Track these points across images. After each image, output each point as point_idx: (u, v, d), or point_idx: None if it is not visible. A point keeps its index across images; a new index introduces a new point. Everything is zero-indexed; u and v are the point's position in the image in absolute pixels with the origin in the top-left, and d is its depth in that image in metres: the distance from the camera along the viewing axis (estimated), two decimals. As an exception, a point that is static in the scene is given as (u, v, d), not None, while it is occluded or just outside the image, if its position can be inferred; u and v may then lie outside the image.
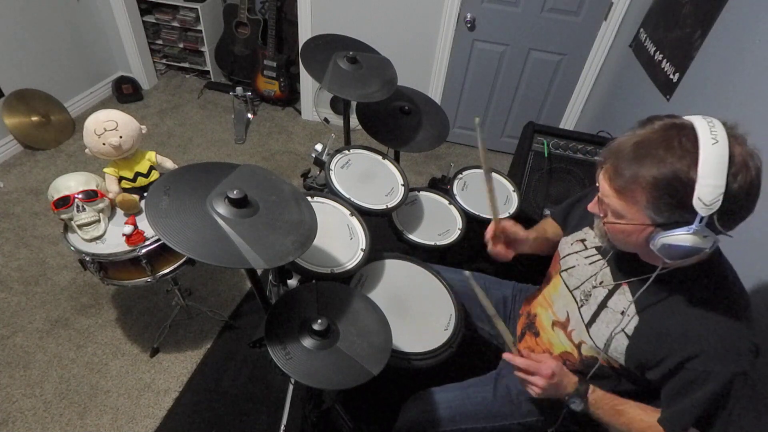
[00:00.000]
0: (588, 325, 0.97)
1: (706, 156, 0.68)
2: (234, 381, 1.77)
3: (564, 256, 1.09)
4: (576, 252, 1.06)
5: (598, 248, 1.01)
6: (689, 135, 0.71)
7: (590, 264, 1.01)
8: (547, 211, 2.17)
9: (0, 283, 2.03)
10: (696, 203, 0.69)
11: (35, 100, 2.76)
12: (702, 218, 0.70)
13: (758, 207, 0.73)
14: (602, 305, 0.95)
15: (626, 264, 0.93)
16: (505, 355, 1.01)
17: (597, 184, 0.85)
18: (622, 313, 0.91)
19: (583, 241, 1.06)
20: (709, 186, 0.68)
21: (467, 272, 1.15)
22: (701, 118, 0.73)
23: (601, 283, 0.97)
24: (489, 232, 1.21)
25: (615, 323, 0.92)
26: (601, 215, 0.86)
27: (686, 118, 0.76)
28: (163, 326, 1.88)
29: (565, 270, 1.07)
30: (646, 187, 0.73)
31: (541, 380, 1.01)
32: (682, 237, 0.72)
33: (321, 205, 1.32)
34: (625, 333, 0.90)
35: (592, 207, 0.89)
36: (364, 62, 1.50)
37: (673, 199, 0.71)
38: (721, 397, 0.80)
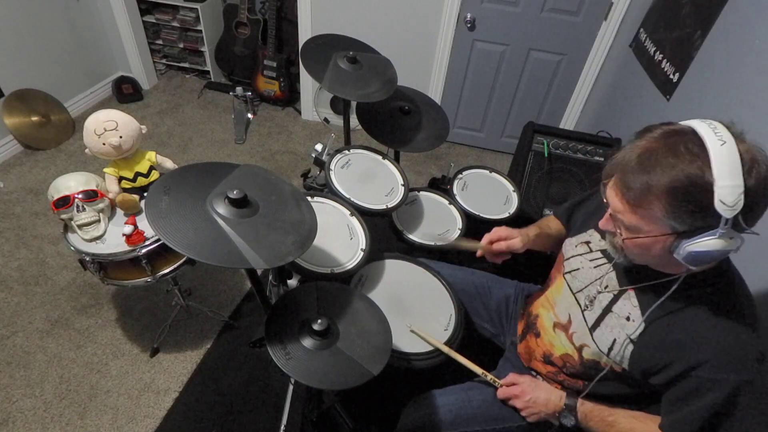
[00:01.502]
0: (592, 329, 0.97)
1: (718, 157, 0.67)
2: (234, 381, 1.77)
3: (568, 258, 1.09)
4: (580, 254, 1.05)
5: (603, 252, 1.00)
6: (693, 139, 0.71)
7: (595, 267, 1.01)
8: (547, 211, 2.17)
9: (0, 283, 2.03)
10: (719, 206, 0.67)
11: (35, 100, 2.76)
12: (727, 220, 0.68)
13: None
14: (607, 310, 0.95)
15: (632, 269, 0.92)
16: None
17: (605, 201, 0.84)
18: (628, 318, 0.90)
19: (587, 243, 1.05)
20: (727, 187, 0.67)
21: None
22: (700, 122, 0.73)
23: (606, 287, 0.96)
24: (478, 253, 1.20)
25: (620, 328, 0.91)
26: (615, 232, 0.84)
27: (682, 123, 0.75)
28: (163, 326, 1.88)
29: (569, 272, 1.07)
30: (661, 196, 0.72)
31: (519, 401, 1.05)
32: (709, 242, 0.70)
33: (321, 205, 1.32)
34: (630, 338, 0.89)
35: (603, 224, 0.87)
36: (364, 62, 1.50)
37: (692, 205, 0.70)
38: (725, 406, 0.79)
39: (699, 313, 0.82)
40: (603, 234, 0.98)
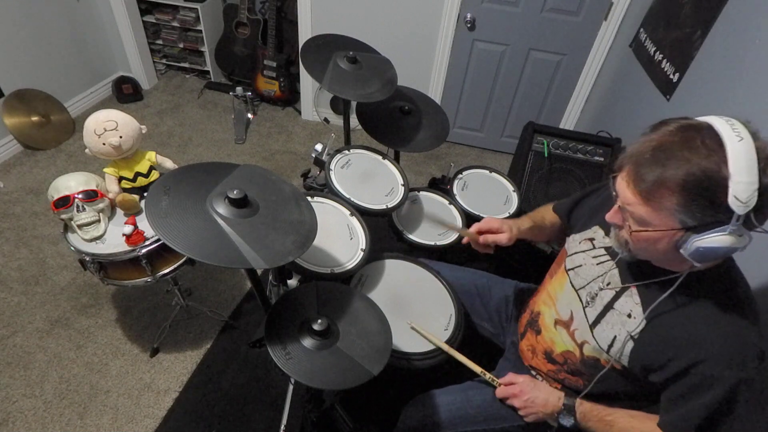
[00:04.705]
0: (592, 326, 0.97)
1: (735, 153, 0.67)
2: (234, 381, 1.77)
3: (571, 254, 1.08)
4: (583, 251, 1.05)
5: (607, 249, 1.00)
6: (710, 134, 0.70)
7: (598, 264, 1.00)
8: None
9: (0, 283, 2.03)
10: (732, 202, 0.67)
11: (35, 100, 2.76)
12: (739, 217, 0.68)
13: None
14: (608, 307, 0.95)
15: (635, 266, 0.92)
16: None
17: (614, 194, 0.83)
18: (629, 315, 0.90)
19: (591, 240, 1.05)
20: (743, 183, 0.66)
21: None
22: (718, 118, 0.72)
23: (608, 284, 0.96)
24: (464, 240, 1.21)
25: (620, 325, 0.91)
26: (622, 225, 0.84)
27: (700, 118, 0.75)
28: (163, 326, 1.88)
29: (572, 269, 1.06)
30: (675, 189, 0.71)
31: (517, 401, 1.06)
32: (719, 239, 0.70)
33: (321, 205, 1.32)
34: (631, 335, 0.89)
35: (611, 217, 0.86)
36: (364, 62, 1.50)
37: (705, 200, 0.70)
38: (725, 403, 0.79)
39: (700, 311, 0.82)
40: (607, 230, 0.98)
